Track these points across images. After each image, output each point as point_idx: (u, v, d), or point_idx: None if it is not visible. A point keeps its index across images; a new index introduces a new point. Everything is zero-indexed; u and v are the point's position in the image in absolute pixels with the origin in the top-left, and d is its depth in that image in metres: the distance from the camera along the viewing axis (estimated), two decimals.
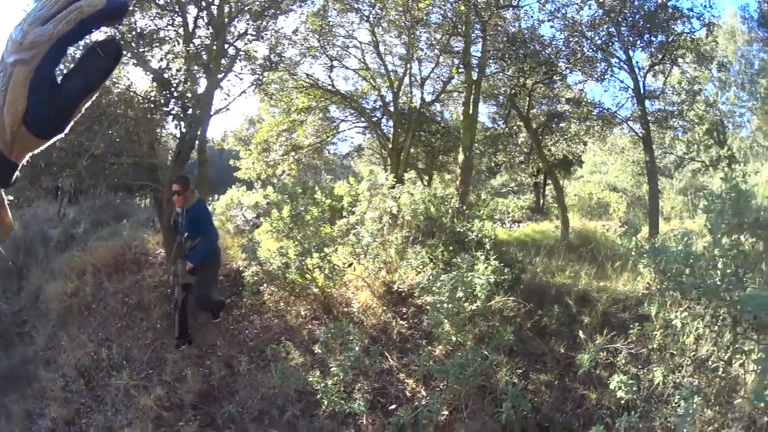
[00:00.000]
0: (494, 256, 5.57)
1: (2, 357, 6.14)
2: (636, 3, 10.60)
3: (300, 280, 6.19)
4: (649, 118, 11.07)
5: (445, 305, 4.80)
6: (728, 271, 3.90)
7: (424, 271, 6.60)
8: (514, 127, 13.37)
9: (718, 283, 3.84)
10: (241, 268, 6.66)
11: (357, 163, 20.85)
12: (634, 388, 4.12)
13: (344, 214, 7.03)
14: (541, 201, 19.95)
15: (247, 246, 6.44)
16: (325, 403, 4.46)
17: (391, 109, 13.00)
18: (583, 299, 5.91)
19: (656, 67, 11.22)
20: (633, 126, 11.63)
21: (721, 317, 4.20)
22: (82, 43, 0.63)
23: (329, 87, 12.80)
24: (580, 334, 5.20)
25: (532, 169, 16.17)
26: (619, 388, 4.10)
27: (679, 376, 4.43)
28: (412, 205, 7.13)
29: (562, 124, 13.13)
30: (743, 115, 15.65)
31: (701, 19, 10.49)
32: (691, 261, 4.13)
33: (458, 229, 7.07)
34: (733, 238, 4.03)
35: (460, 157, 9.78)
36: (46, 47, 0.57)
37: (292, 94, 12.69)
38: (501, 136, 13.64)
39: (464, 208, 7.91)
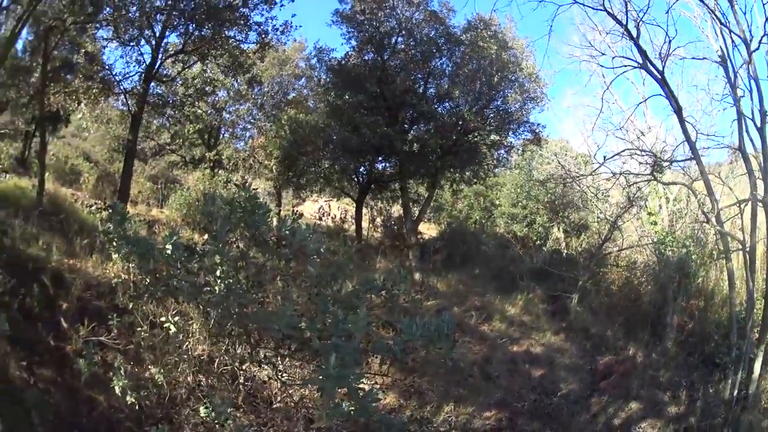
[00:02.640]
0: None
1: None
2: None
3: None
4: (148, 98, 11.19)
5: None
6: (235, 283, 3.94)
7: None
8: (35, 64, 11.29)
9: (224, 293, 3.88)
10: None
11: None
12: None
13: None
14: (26, 153, 17.25)
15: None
16: None
17: None
18: (59, 279, 5.44)
19: (181, 55, 11.30)
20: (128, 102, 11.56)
21: (229, 329, 4.37)
22: None
23: None
24: (63, 322, 4.86)
25: (30, 114, 14.14)
26: (125, 392, 4.01)
27: (182, 377, 4.53)
28: None
29: (69, 75, 11.67)
30: (247, 129, 17.81)
31: (259, 34, 11.04)
32: (185, 263, 4.06)
33: None
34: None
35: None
36: None
37: None
38: (22, 69, 11.46)
39: None
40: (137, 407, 4.12)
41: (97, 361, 4.32)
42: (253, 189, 4.11)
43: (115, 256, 4.22)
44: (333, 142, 12.94)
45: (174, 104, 12.94)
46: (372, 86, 12.03)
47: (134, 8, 9.96)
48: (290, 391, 4.92)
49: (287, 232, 4.00)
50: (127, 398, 4.00)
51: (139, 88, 10.82)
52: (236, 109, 17.16)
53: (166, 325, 4.30)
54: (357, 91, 12.24)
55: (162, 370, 4.36)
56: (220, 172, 15.95)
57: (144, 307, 4.78)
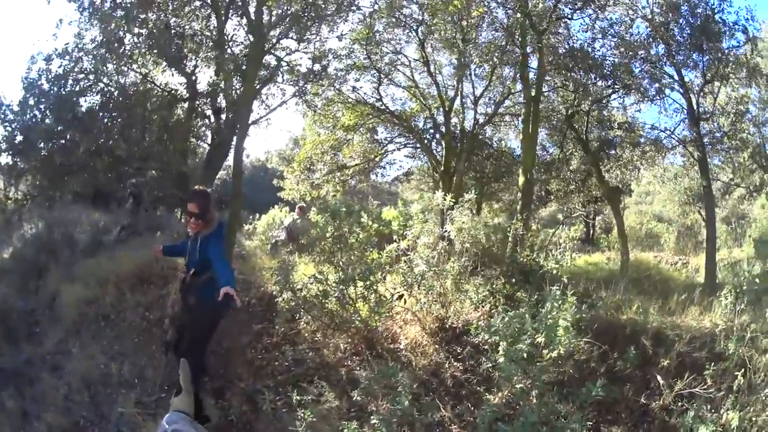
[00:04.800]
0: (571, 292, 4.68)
1: (7, 352, 5.60)
2: (682, 20, 9.98)
3: (340, 311, 5.47)
4: (704, 140, 10.32)
5: (518, 348, 4.13)
6: None
7: (482, 307, 5.82)
8: (569, 153, 12.43)
9: None
10: (274, 293, 5.95)
11: (405, 189, 20.35)
12: None
13: (394, 238, 6.34)
14: (591, 232, 18.76)
15: (280, 269, 5.75)
16: None
17: (443, 129, 12.27)
18: (657, 338, 5.22)
19: (706, 87, 10.36)
20: (688, 149, 10.89)
21: None
22: None
23: (377, 104, 12.16)
24: (659, 379, 4.66)
25: (584, 197, 15.04)
26: None
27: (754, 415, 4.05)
28: (472, 230, 6.28)
29: (612, 151, 12.21)
30: None
31: (745, 32, 9.81)
32: None
33: (521, 260, 6.27)
34: None
35: (521, 180, 8.90)
36: None
37: (337, 109, 12.16)
38: (555, 161, 12.70)
39: (528, 236, 7.14)
40: None
41: (677, 409, 4.29)
42: None
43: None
44: None
45: (727, 135, 11.45)
46: None
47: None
48: None
49: None
50: None
51: (692, 133, 10.43)
52: None
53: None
54: None
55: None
56: None
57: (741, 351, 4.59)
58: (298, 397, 4.28)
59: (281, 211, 12.47)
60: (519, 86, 11.55)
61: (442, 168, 11.87)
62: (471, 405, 4.51)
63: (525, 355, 4.17)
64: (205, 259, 4.23)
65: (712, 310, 5.84)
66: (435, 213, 6.83)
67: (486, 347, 4.93)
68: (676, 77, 10.29)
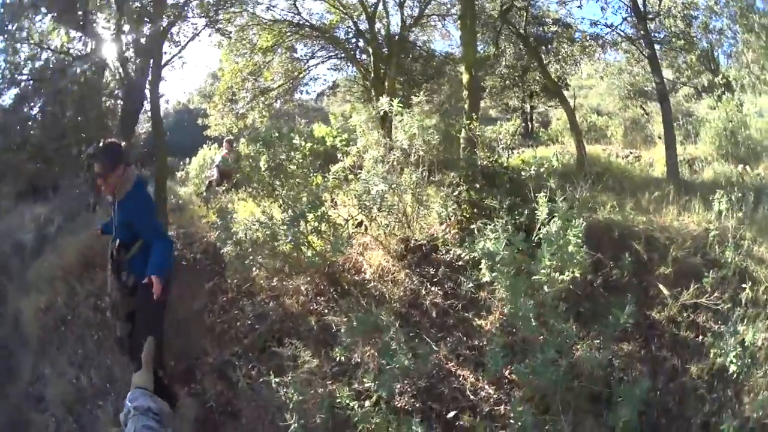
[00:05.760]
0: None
1: None
2: None
3: (294, 252, 4.89)
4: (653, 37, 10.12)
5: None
6: None
7: (447, 219, 5.42)
8: (502, 49, 12.08)
9: None
10: (219, 244, 5.27)
11: (331, 103, 19.38)
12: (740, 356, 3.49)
13: (339, 156, 5.87)
14: (530, 126, 18.95)
15: (219, 217, 5.07)
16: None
17: (368, 36, 11.33)
18: (649, 243, 4.99)
19: None
20: (636, 45, 10.70)
21: None
22: None
23: (295, 19, 11.09)
24: (662, 289, 4.43)
25: (521, 92, 15.25)
26: (719, 355, 3.58)
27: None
28: (425, 135, 5.63)
29: (550, 46, 11.87)
30: (732, 45, 14.58)
31: None
32: None
33: (480, 162, 5.75)
34: None
35: (465, 78, 8.14)
36: None
37: (253, 33, 11.03)
38: (489, 57, 12.17)
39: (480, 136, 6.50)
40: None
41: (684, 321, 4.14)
42: None
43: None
44: None
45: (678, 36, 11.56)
46: None
47: None
48: None
49: None
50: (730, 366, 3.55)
51: (638, 31, 10.16)
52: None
53: None
54: None
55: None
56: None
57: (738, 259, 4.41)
58: (271, 366, 3.87)
59: (210, 149, 11.53)
60: None
61: (372, 75, 11.10)
62: (463, 335, 4.23)
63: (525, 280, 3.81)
64: (127, 226, 3.45)
65: (691, 210, 5.80)
66: (374, 123, 6.26)
67: (461, 264, 4.72)
68: None
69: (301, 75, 12.78)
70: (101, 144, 3.70)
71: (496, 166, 5.74)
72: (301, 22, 11.22)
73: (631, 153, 12.28)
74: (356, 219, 5.32)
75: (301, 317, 4.61)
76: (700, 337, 4.04)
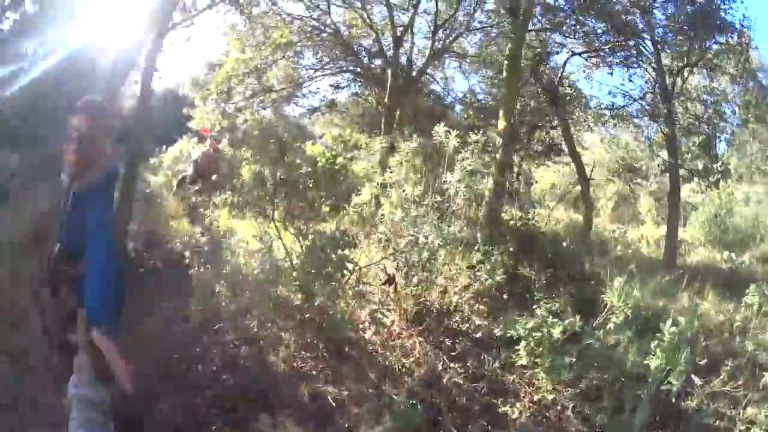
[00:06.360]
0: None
1: None
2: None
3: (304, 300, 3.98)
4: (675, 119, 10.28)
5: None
6: None
7: (472, 284, 4.69)
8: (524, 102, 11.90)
9: None
10: (186, 254, 4.41)
11: (318, 122, 18.49)
12: None
13: (359, 189, 5.17)
14: (516, 186, 18.70)
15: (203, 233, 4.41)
16: None
17: (390, 59, 10.61)
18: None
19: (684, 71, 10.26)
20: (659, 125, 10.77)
21: None
22: None
23: (321, 18, 10.38)
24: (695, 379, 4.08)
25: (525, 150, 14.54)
26: None
27: None
28: (468, 182, 4.88)
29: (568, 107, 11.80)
30: (737, 134, 14.79)
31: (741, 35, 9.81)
32: None
33: (513, 223, 5.23)
34: None
35: (501, 124, 7.15)
36: None
37: (271, 23, 10.25)
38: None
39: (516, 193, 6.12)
40: None
41: None
42: None
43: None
44: None
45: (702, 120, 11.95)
46: None
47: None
48: None
49: None
50: None
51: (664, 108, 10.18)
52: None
53: None
54: None
55: None
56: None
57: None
58: None
59: (189, 142, 10.51)
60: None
61: (386, 100, 10.29)
62: (487, 424, 3.52)
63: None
64: (80, 230, 2.28)
65: (704, 296, 5.86)
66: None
67: (480, 336, 4.22)
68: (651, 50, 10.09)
69: (304, 84, 12.05)
70: (92, 99, 2.51)
71: (534, 229, 5.18)
72: (326, 24, 10.58)
73: (618, 228, 12.40)
74: (386, 272, 4.35)
75: (285, 379, 3.58)
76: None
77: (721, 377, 4.04)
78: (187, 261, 4.43)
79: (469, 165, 4.95)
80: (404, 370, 3.83)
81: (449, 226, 4.65)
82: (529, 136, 12.89)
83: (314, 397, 3.42)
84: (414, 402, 3.33)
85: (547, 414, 3.76)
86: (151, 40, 5.79)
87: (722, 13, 9.69)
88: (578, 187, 12.14)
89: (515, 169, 17.55)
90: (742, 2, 10.07)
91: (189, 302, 4.15)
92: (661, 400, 3.75)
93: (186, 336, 3.98)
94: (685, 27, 9.73)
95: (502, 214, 5.52)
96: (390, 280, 4.30)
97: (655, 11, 10.06)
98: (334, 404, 3.28)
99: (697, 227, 12.65)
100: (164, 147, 11.27)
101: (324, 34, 10.72)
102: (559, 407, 3.78)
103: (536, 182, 15.63)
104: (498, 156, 6.58)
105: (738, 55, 9.93)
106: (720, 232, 12.04)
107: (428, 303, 4.52)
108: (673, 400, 3.76)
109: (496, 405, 3.74)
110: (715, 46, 10.03)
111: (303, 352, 3.88)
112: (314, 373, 3.66)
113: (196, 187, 7.43)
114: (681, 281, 5.94)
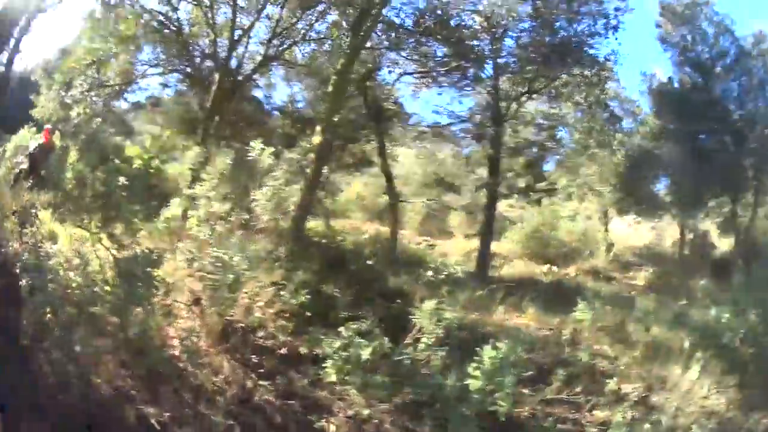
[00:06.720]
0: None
1: None
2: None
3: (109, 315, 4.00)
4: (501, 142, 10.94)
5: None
6: None
7: (276, 300, 4.93)
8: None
9: None
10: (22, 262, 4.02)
11: (139, 119, 17.77)
12: None
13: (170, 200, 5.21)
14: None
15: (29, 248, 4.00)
16: None
17: (222, 61, 10.81)
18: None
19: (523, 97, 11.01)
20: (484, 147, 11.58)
21: None
22: None
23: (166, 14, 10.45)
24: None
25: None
26: None
27: None
28: (278, 200, 5.21)
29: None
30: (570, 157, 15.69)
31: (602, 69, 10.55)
32: None
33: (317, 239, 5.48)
34: None
35: (315, 139, 7.33)
36: None
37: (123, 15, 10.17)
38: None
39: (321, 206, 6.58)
40: None
41: None
42: None
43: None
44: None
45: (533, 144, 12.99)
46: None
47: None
48: None
49: None
50: None
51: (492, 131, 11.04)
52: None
53: None
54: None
55: None
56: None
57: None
58: None
59: (28, 132, 9.91)
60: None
61: (209, 105, 10.46)
62: None
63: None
64: None
65: (523, 309, 6.39)
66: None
67: (285, 353, 4.42)
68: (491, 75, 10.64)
69: (136, 79, 12.05)
70: None
71: (340, 245, 5.56)
72: (171, 19, 10.67)
73: (425, 240, 12.74)
74: (191, 291, 4.71)
75: (112, 400, 3.74)
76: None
77: (555, 385, 4.46)
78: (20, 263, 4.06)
79: (280, 184, 5.20)
80: (216, 389, 4.07)
81: (254, 245, 4.99)
82: (343, 148, 12.86)
83: (140, 418, 3.61)
84: (231, 423, 3.65)
85: (365, 428, 3.98)
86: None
87: (587, 48, 10.21)
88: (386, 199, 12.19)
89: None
90: (616, 38, 10.23)
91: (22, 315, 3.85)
92: (489, 413, 3.96)
93: (21, 355, 3.75)
94: (537, 58, 10.08)
95: (308, 227, 5.75)
96: (196, 301, 4.67)
97: (506, 39, 10.56)
98: (158, 427, 3.51)
99: (515, 241, 13.10)
100: (10, 136, 10.38)
101: (167, 31, 10.80)
102: (376, 421, 4.00)
103: (342, 191, 15.46)
104: (309, 170, 6.83)
105: (593, 86, 10.42)
106: (541, 246, 12.59)
107: (233, 319, 4.79)
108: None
109: (312, 421, 4.01)
110: (566, 77, 10.53)
111: (118, 369, 3.98)
112: (134, 393, 3.80)
113: (29, 183, 7.20)
114: (495, 294, 6.31)
